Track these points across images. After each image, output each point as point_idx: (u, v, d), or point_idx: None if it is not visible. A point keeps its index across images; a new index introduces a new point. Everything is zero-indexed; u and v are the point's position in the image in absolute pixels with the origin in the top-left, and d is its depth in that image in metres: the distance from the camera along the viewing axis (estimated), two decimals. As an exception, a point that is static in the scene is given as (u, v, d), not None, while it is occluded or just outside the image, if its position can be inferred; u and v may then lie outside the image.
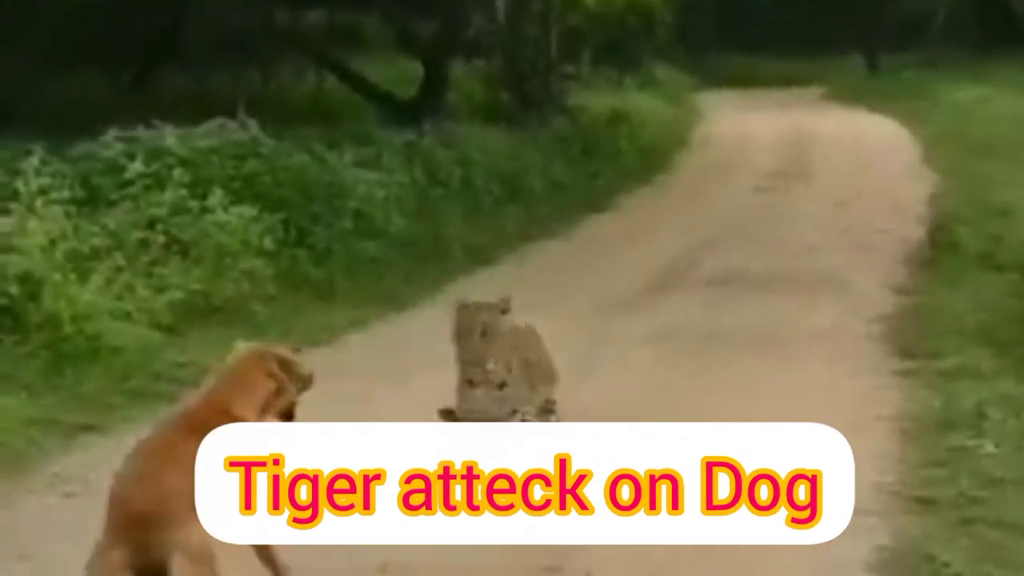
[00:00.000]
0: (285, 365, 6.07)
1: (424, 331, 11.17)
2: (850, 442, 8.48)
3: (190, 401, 6.00)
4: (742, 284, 14.24)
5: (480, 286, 13.95)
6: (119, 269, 11.28)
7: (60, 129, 13.92)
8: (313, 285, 12.96)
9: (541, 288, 13.81)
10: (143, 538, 5.35)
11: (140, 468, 5.61)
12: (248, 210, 12.74)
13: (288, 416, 6.11)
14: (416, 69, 23.67)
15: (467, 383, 7.59)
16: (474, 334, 7.43)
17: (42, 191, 11.44)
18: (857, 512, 7.22)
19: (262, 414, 5.95)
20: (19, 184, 11.23)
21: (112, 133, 13.55)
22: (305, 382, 6.20)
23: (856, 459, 8.13)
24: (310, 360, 10.67)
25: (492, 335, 7.43)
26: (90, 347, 10.05)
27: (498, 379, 7.54)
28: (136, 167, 12.83)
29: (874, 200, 19.99)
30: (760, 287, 14.03)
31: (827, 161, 24.97)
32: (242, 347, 6.18)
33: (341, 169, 14.85)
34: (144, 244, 11.96)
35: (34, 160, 11.79)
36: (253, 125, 14.32)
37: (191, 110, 15.59)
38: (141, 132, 13.71)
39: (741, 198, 21.00)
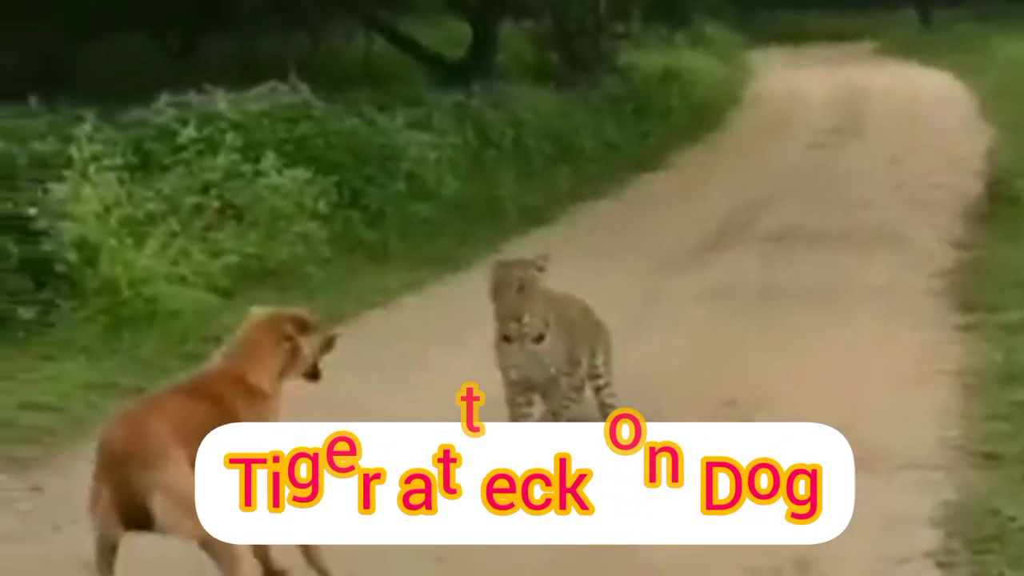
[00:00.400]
0: (301, 326, 6.01)
1: (478, 292, 10.99)
2: (912, 397, 8.60)
3: (203, 370, 6.07)
4: (797, 240, 14.16)
5: (533, 246, 13.85)
6: (174, 234, 11.31)
7: (110, 96, 13.96)
8: (367, 247, 12.97)
9: (594, 247, 13.81)
10: (123, 477, 5.37)
11: (126, 412, 5.76)
12: (301, 173, 12.76)
13: (314, 376, 6.09)
14: (465, 30, 23.61)
15: (503, 339, 7.60)
16: (510, 289, 7.40)
17: (95, 157, 11.49)
18: (921, 467, 7.31)
19: (280, 379, 5.94)
20: (72, 151, 11.26)
21: (164, 99, 13.58)
22: (326, 342, 6.14)
23: (918, 414, 8.24)
24: (365, 322, 10.88)
25: (528, 291, 7.42)
26: (147, 311, 10.12)
27: (534, 332, 7.52)
28: (189, 132, 12.85)
29: (929, 155, 19.82)
30: (815, 243, 13.95)
31: (880, 116, 24.78)
32: (255, 313, 6.15)
33: (393, 131, 14.83)
34: (198, 209, 11.99)
35: (86, 127, 11.84)
36: (304, 88, 14.31)
37: (241, 75, 15.61)
38: (193, 97, 13.74)
39: (794, 155, 20.87)
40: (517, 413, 7.71)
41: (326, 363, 6.17)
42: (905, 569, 6.19)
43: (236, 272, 11.47)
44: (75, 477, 7.35)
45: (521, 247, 13.86)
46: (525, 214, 15.54)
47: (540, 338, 7.56)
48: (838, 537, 6.40)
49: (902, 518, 6.71)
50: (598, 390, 8.19)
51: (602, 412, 8.21)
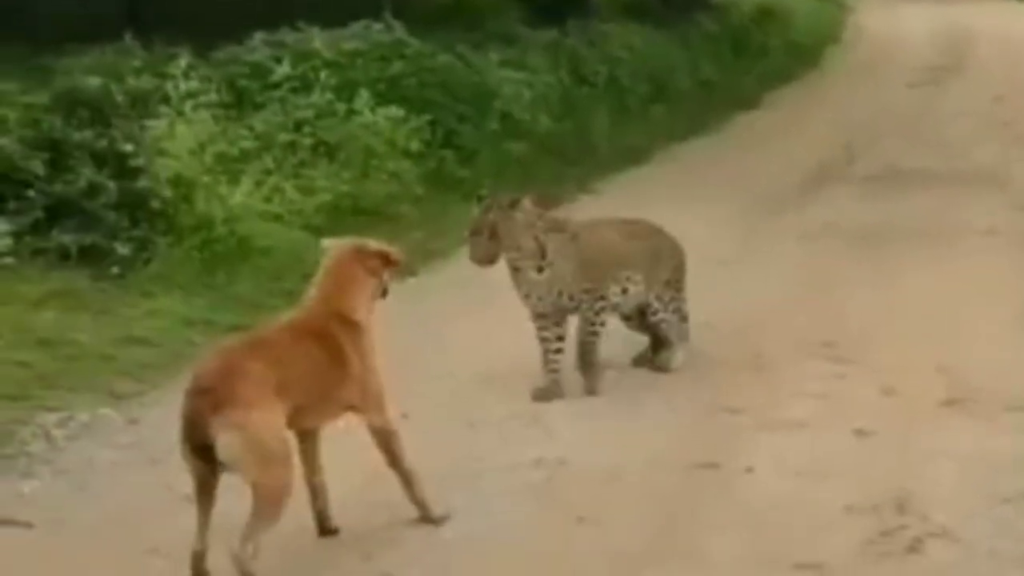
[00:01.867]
0: (385, 257, 6.12)
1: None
2: (1014, 339, 8.52)
3: (302, 306, 6.06)
4: (898, 180, 14.04)
5: (628, 185, 13.95)
6: (268, 172, 11.37)
7: (205, 33, 13.99)
8: (460, 186, 12.94)
9: (691, 186, 13.75)
10: (194, 409, 5.43)
11: (225, 348, 5.85)
12: (394, 112, 12.75)
13: (383, 294, 6.17)
14: (560, -34, 23.47)
15: (513, 270, 7.81)
16: (481, 236, 7.64)
17: (190, 95, 11.59)
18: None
19: (371, 308, 6.04)
20: (168, 88, 11.32)
21: (258, 36, 13.61)
22: (401, 267, 6.31)
23: (1021, 356, 8.15)
24: (459, 259, 10.89)
25: (503, 233, 7.61)
26: (241, 248, 10.17)
27: (524, 266, 7.71)
28: (283, 70, 12.89)
29: (1034, 94, 19.54)
30: (917, 183, 13.82)
31: (983, 55, 24.44)
32: (332, 245, 6.20)
33: (486, 70, 14.81)
34: (292, 147, 12.03)
35: (182, 63, 11.92)
36: (398, 27, 14.29)
37: (335, 13, 15.58)
38: (287, 35, 13.75)
39: (895, 94, 20.64)
40: (544, 347, 7.82)
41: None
42: (1005, 509, 6.15)
43: (329, 210, 11.48)
44: (171, 411, 7.44)
45: (615, 186, 13.91)
46: (620, 153, 15.48)
47: (539, 269, 7.71)
48: (938, 477, 6.42)
49: (1003, 458, 6.67)
50: (648, 313, 8.17)
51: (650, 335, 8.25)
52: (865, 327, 8.88)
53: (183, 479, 5.69)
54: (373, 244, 6.21)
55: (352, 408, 5.94)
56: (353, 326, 5.92)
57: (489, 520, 6.18)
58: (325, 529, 6.03)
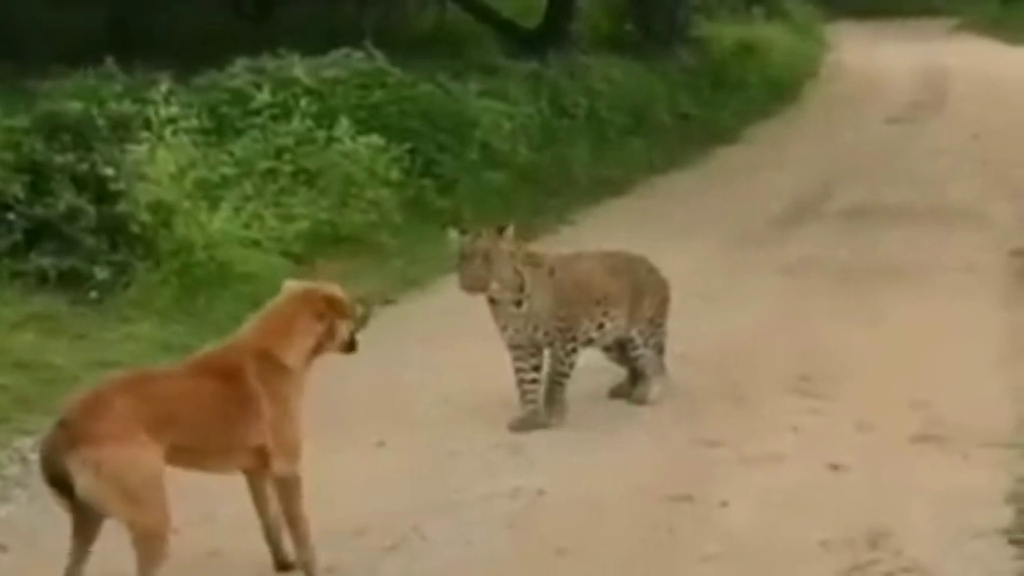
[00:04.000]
0: (335, 304, 5.90)
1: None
2: (989, 376, 8.60)
3: (226, 342, 5.89)
4: (876, 216, 14.11)
5: (608, 217, 14.02)
6: (247, 198, 11.43)
7: (186, 59, 14.07)
8: (440, 215, 12.97)
9: (670, 219, 13.80)
10: (52, 444, 5.29)
11: (104, 383, 5.64)
12: (375, 140, 12.80)
13: (350, 348, 5.98)
14: (540, -2, 23.58)
15: (491, 302, 7.83)
16: (475, 259, 7.62)
17: (171, 120, 11.62)
18: (997, 445, 7.32)
19: (311, 357, 5.81)
20: (149, 113, 11.36)
21: (240, 63, 13.66)
22: (360, 320, 6.03)
23: (996, 393, 8.26)
24: (438, 288, 10.95)
25: (493, 260, 7.63)
26: (221, 274, 10.22)
27: (504, 298, 7.73)
28: (263, 97, 12.94)
29: (1011, 134, 19.61)
30: (895, 219, 13.88)
31: (961, 93, 24.56)
32: (290, 286, 6.04)
33: (466, 99, 14.88)
34: (272, 173, 12.10)
35: (162, 89, 11.96)
36: (379, 55, 14.35)
37: (316, 40, 15.65)
38: (268, 62, 13.79)
39: (873, 130, 20.75)
40: (520, 378, 7.88)
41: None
42: (978, 545, 6.19)
43: (308, 237, 11.55)
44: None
45: (594, 218, 13.98)
46: (599, 184, 15.56)
47: (518, 303, 7.74)
48: (911, 512, 6.47)
49: (976, 495, 6.72)
50: (627, 348, 8.23)
51: (628, 368, 8.31)
52: (841, 362, 8.94)
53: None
54: (328, 290, 5.99)
55: (262, 453, 5.67)
56: (277, 368, 5.68)
57: (467, 550, 6.21)
58: (282, 564, 5.90)
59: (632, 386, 8.31)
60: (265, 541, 5.90)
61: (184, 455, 5.49)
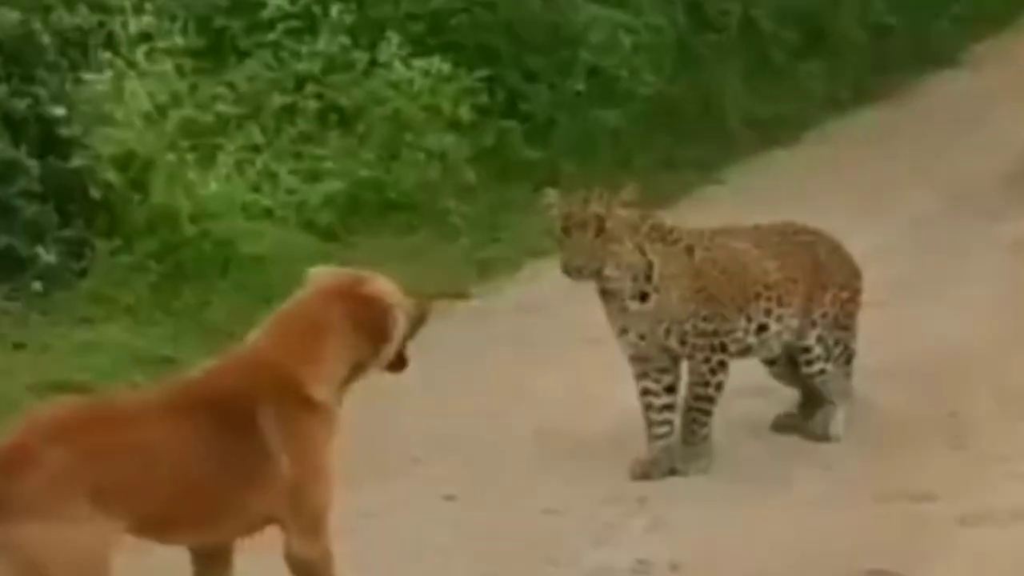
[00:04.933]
0: (382, 306, 5.76)
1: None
2: None
3: (223, 359, 5.82)
4: None
5: (769, 174, 14.04)
6: (255, 148, 11.50)
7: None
8: (528, 172, 13.02)
9: (858, 178, 13.77)
10: None
11: (33, 420, 5.52)
12: (437, 65, 12.84)
13: (399, 365, 5.91)
14: None
15: (605, 294, 7.84)
16: (586, 230, 7.62)
17: (145, 37, 11.65)
18: None
19: (344, 386, 5.72)
20: (115, 27, 11.44)
21: (242, -44, 13.73)
22: (414, 323, 5.92)
23: None
24: (527, 275, 10.99)
25: (613, 233, 7.65)
26: (217, 257, 10.31)
27: (624, 288, 7.75)
28: (277, 3, 12.97)
29: None
30: None
31: None
32: (317, 276, 5.91)
33: (569, 5, 14.86)
34: (289, 113, 12.18)
35: (133, -9, 12.04)
36: (442, -59, 14.39)
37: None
38: (283, -46, 13.86)
39: None
40: (645, 404, 7.90)
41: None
42: None
43: (343, 204, 11.62)
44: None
45: (751, 175, 14.00)
46: (757, 128, 15.56)
47: (643, 296, 7.75)
48: None
49: None
50: (800, 362, 8.26)
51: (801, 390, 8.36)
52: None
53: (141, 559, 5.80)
54: (371, 283, 5.86)
55: (274, 522, 5.60)
56: (303, 404, 5.59)
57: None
58: None
59: (806, 416, 8.33)
60: None
61: (153, 527, 5.44)
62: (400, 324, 5.77)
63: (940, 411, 8.53)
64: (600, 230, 7.63)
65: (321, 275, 5.90)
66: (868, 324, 8.55)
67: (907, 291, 10.08)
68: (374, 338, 5.70)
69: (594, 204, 7.68)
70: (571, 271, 7.67)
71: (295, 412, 5.52)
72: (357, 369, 5.72)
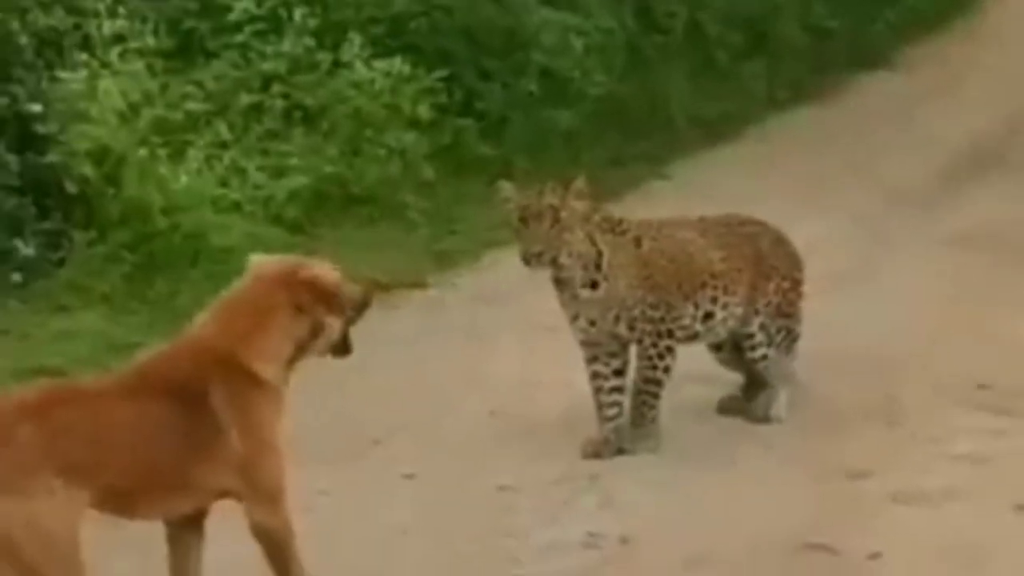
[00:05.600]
0: (322, 290, 5.81)
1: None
2: None
3: (174, 342, 5.83)
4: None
5: (713, 170, 14.09)
6: (223, 145, 11.52)
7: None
8: (483, 167, 13.04)
9: (799, 173, 13.84)
10: None
11: (5, 404, 5.52)
12: (397, 65, 12.86)
13: (343, 350, 5.95)
14: None
15: (558, 282, 7.92)
16: (542, 221, 7.70)
17: (118, 39, 11.66)
18: None
19: (290, 365, 5.76)
20: (90, 29, 11.44)
21: (210, -41, 13.72)
22: (358, 306, 5.98)
23: None
24: (483, 265, 11.03)
25: (566, 224, 7.73)
26: (188, 248, 10.33)
27: (575, 277, 7.83)
28: (244, 6, 12.97)
29: None
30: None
31: None
32: (259, 263, 5.93)
33: (522, 9, 14.87)
34: (256, 111, 12.19)
35: (107, -5, 12.03)
36: (401, -54, 14.39)
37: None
38: (249, -41, 13.85)
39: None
40: (595, 387, 7.97)
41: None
42: None
43: (307, 198, 11.64)
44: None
45: (695, 171, 14.06)
46: (702, 126, 15.59)
47: (593, 284, 7.83)
48: None
49: None
50: (744, 347, 8.35)
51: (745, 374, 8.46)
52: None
53: (110, 556, 5.84)
54: (310, 269, 5.89)
55: (229, 495, 5.67)
56: (249, 381, 5.66)
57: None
58: None
59: (749, 398, 8.42)
60: None
61: (116, 501, 5.48)
62: (338, 308, 5.83)
63: (876, 395, 8.60)
64: (555, 220, 7.71)
65: (263, 262, 5.95)
66: (809, 313, 8.63)
67: (846, 282, 10.17)
68: (315, 320, 5.76)
69: (549, 196, 7.77)
70: (529, 259, 7.75)
71: (243, 390, 5.61)
72: (300, 350, 5.77)
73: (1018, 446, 7.89)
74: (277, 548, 5.68)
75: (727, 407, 8.45)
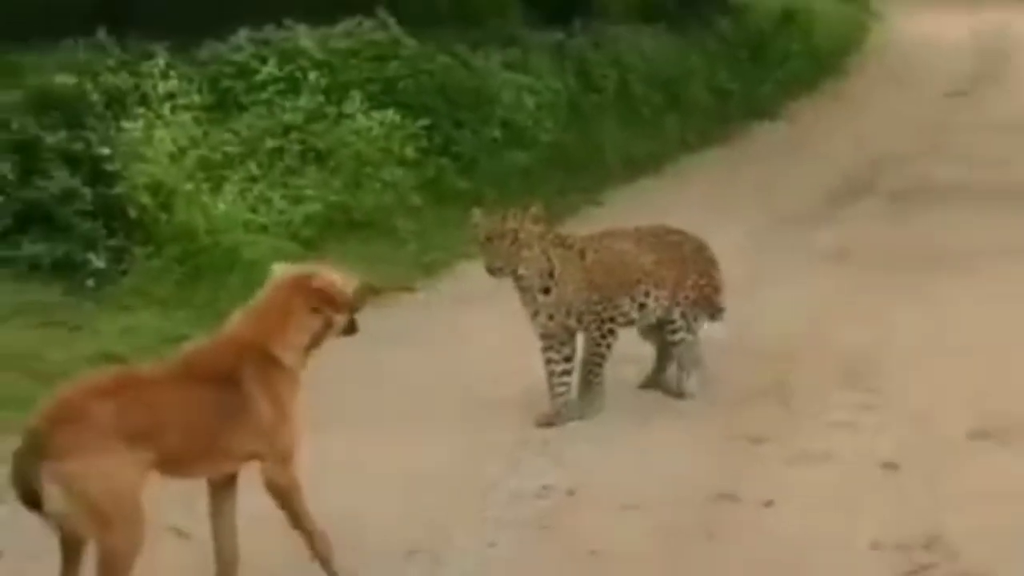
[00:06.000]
0: (330, 296, 5.75)
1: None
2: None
3: (213, 337, 5.83)
4: (932, 198, 14.18)
5: (638, 198, 14.07)
6: (253, 179, 11.49)
7: (184, 29, 14.04)
8: (459, 197, 13.03)
9: (706, 201, 13.83)
10: (21, 453, 5.18)
11: (76, 386, 5.46)
12: (389, 116, 12.86)
13: (351, 331, 5.89)
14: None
15: (520, 289, 7.94)
16: (503, 240, 7.74)
17: (169, 96, 11.66)
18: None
19: (307, 353, 5.74)
20: (147, 88, 11.41)
21: (243, 33, 13.67)
22: (356, 303, 5.92)
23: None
24: (458, 274, 11.00)
25: (523, 242, 7.76)
26: (226, 260, 10.25)
27: (533, 285, 7.85)
28: (269, 70, 12.98)
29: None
30: (953, 200, 13.95)
31: (1022, 65, 24.50)
32: (280, 270, 5.92)
33: (487, 73, 14.90)
34: (279, 152, 12.16)
35: (160, 62, 11.99)
36: (393, 24, 14.33)
37: (326, 8, 15.66)
38: (272, 32, 13.81)
39: (925, 105, 20.78)
40: (549, 370, 8.00)
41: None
42: (1046, 544, 6.24)
43: (319, 221, 11.61)
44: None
45: (624, 199, 14.04)
46: (629, 164, 15.62)
47: (546, 290, 7.86)
48: (969, 513, 6.50)
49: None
50: (666, 331, 8.34)
51: (660, 356, 8.47)
52: (895, 353, 9.01)
53: (164, 507, 5.77)
54: (321, 278, 5.83)
55: (256, 457, 5.63)
56: (273, 366, 5.63)
57: (493, 552, 6.28)
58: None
59: (660, 370, 8.45)
60: (215, 563, 5.78)
61: (170, 463, 5.43)
62: (343, 304, 5.81)
63: (769, 377, 8.58)
64: (514, 240, 7.74)
65: (283, 270, 5.94)
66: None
67: (743, 286, 10.12)
68: (326, 316, 5.75)
69: (510, 220, 7.78)
70: (493, 271, 7.78)
71: (268, 373, 5.59)
72: (316, 339, 5.76)
73: (883, 418, 7.89)
74: (285, 499, 5.65)
75: (647, 383, 8.46)
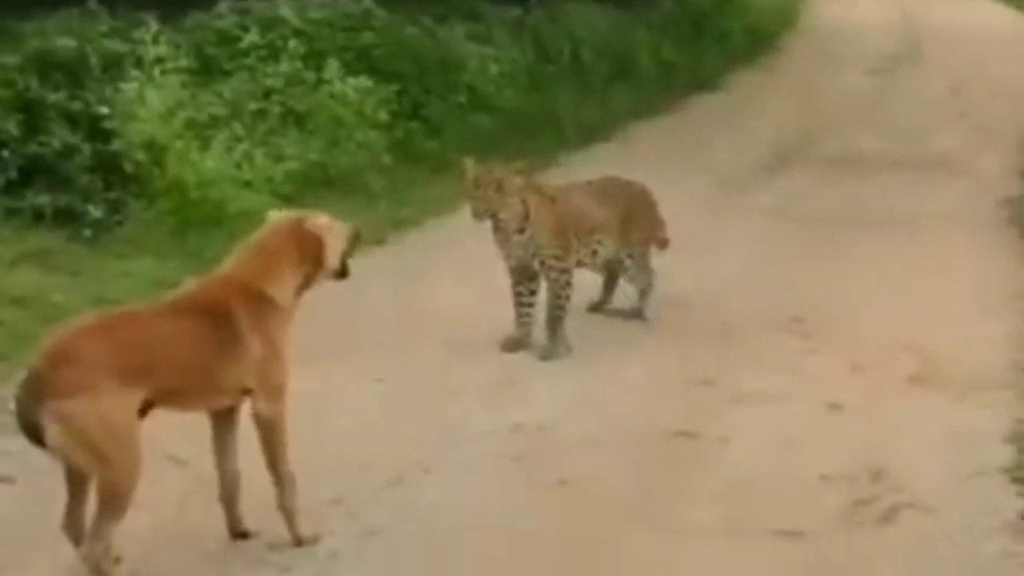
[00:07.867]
0: (324, 237, 5.62)
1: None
2: (980, 321, 8.66)
3: (207, 276, 5.69)
4: (860, 165, 14.19)
5: (592, 161, 13.97)
6: (238, 139, 11.36)
7: (170, 1, 13.92)
8: (427, 158, 12.99)
9: (653, 164, 13.68)
10: (24, 391, 5.09)
11: (72, 326, 5.33)
12: (363, 82, 12.76)
13: (342, 274, 5.76)
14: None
15: (496, 230, 8.13)
16: (488, 187, 7.97)
17: (159, 60, 11.53)
18: (993, 388, 7.38)
19: (299, 293, 5.61)
20: (140, 52, 11.29)
21: (225, 3, 13.54)
22: (351, 245, 5.78)
23: (987, 337, 8.31)
24: (426, 228, 10.97)
25: (505, 190, 7.99)
26: (214, 212, 10.17)
27: (510, 227, 8.07)
28: (251, 38, 12.85)
29: (991, 86, 19.70)
30: (879, 168, 13.97)
31: (940, 47, 24.56)
32: (275, 216, 5.77)
33: (453, 43, 14.83)
34: (261, 114, 12.05)
35: (152, 27, 11.86)
36: (365, -3, 14.26)
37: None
38: (254, 2, 13.68)
39: (853, 80, 20.77)
40: (517, 301, 8.22)
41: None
42: (980, 482, 6.28)
43: (298, 178, 11.51)
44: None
45: (579, 162, 13.96)
46: (583, 130, 15.53)
47: (521, 230, 8.06)
48: (911, 450, 6.54)
49: (975, 434, 6.81)
50: (615, 268, 8.70)
51: (607, 282, 8.87)
52: (833, 304, 9.01)
53: (165, 437, 5.74)
54: (315, 221, 5.69)
55: (249, 392, 5.49)
56: (266, 304, 5.49)
57: (469, 481, 6.28)
58: (235, 530, 5.70)
59: (606, 300, 8.86)
60: (220, 501, 5.68)
61: (166, 397, 5.31)
62: (335, 246, 5.69)
63: (716, 324, 8.61)
64: (499, 187, 7.96)
65: (277, 216, 5.81)
66: (663, 265, 8.74)
67: (688, 242, 10.12)
68: (316, 257, 5.62)
69: (496, 171, 8.03)
70: (478, 214, 8.02)
71: (259, 309, 5.45)
72: (307, 280, 5.63)
73: (824, 362, 7.93)
74: (272, 433, 5.51)
75: (594, 308, 8.86)
